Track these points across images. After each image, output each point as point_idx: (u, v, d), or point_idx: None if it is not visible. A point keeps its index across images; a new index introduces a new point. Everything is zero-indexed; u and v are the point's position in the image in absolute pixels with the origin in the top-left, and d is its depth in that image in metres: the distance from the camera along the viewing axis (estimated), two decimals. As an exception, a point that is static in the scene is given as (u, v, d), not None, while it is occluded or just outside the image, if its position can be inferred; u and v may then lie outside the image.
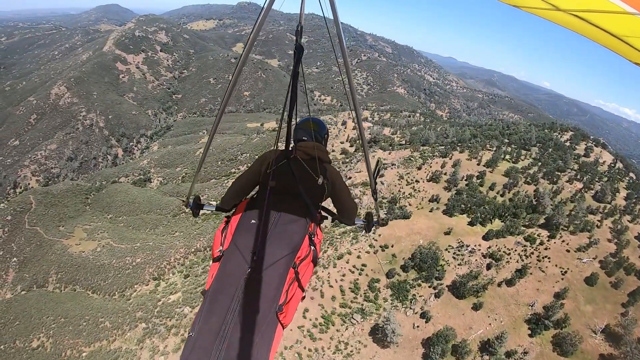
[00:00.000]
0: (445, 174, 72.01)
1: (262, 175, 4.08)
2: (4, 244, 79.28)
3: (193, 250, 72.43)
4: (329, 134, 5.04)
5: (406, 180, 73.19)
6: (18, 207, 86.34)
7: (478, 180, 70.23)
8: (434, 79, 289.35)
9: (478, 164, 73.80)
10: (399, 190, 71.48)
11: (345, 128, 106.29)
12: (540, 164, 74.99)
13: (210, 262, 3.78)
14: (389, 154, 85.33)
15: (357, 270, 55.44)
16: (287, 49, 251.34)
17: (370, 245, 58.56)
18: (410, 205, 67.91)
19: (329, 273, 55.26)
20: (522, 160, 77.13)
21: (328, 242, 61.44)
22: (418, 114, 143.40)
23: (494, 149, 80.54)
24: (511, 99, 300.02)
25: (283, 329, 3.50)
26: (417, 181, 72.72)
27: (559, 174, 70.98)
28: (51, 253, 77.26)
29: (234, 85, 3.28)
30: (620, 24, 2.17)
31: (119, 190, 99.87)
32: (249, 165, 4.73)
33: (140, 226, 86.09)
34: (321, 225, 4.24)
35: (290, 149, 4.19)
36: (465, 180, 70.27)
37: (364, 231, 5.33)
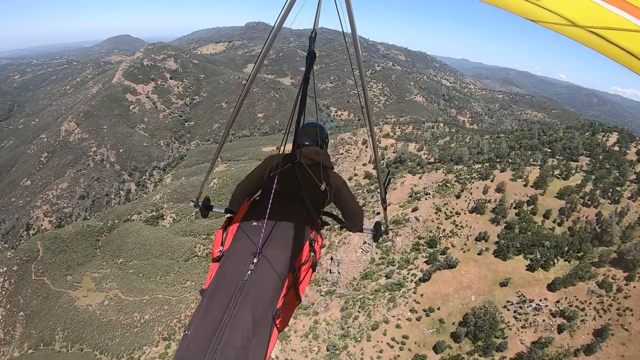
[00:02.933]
0: (489, 201, 61.66)
1: (265, 178, 4.21)
2: (11, 296, 75.36)
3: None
4: (329, 138, 4.99)
5: (445, 213, 63.39)
6: (24, 256, 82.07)
7: (529, 207, 60.04)
8: (451, 83, 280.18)
9: (525, 185, 63.57)
10: (437, 227, 61.54)
11: (367, 148, 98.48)
12: (594, 177, 65.03)
13: (210, 262, 3.75)
14: (420, 178, 76.66)
15: (398, 344, 46.21)
16: (299, 65, 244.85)
17: (411, 311, 48.92)
18: (453, 246, 57.86)
19: (362, 349, 46.35)
20: (573, 174, 66.94)
21: (358, 305, 52.86)
22: (441, 124, 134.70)
23: (539, 162, 71.37)
24: (532, 97, 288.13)
25: (278, 332, 3.51)
26: (457, 213, 62.74)
27: (619, 189, 60.51)
28: (57, 307, 72.50)
29: (241, 105, 3.58)
30: (636, 42, 2.17)
31: (131, 231, 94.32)
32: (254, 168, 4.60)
33: (150, 273, 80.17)
34: (321, 231, 4.25)
35: (295, 153, 4.23)
36: (515, 208, 60.04)
37: (372, 240, 5.28)
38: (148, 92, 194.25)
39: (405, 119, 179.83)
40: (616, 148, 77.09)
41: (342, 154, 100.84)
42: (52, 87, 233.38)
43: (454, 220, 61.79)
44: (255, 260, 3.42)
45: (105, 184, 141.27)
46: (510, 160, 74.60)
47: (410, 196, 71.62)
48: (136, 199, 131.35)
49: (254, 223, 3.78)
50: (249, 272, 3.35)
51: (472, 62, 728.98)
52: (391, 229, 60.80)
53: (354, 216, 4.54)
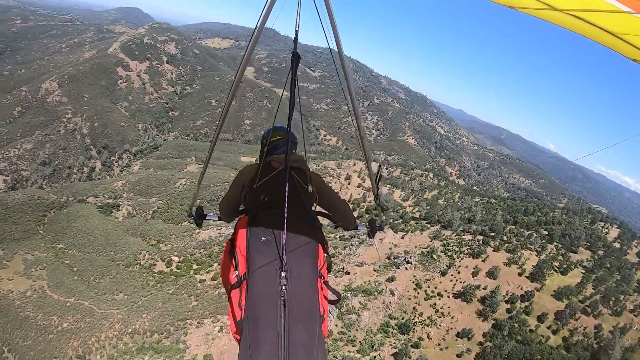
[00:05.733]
0: (478, 287, 54.38)
1: (246, 191, 4.08)
2: None
3: (130, 331, 56.69)
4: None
5: (425, 291, 55.45)
6: None
7: (523, 304, 52.60)
8: (445, 131, 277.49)
9: (520, 274, 56.81)
10: (414, 308, 53.19)
11: (349, 184, 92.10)
12: (594, 277, 58.98)
13: (228, 292, 3.64)
14: (402, 238, 69.81)
15: None
16: (298, 79, 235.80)
17: None
18: (429, 338, 49.64)
19: None
20: (572, 269, 60.60)
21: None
22: (431, 174, 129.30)
23: (536, 247, 65.25)
24: (522, 162, 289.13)
25: (325, 339, 3.47)
26: (439, 295, 54.81)
27: (622, 298, 54.42)
28: None
29: (228, 108, 3.55)
30: (616, 23, 2.27)
31: (81, 215, 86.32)
32: (229, 184, 4.49)
33: (85, 271, 71.85)
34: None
35: (267, 160, 4.18)
36: (507, 302, 52.31)
37: (368, 237, 5.58)
38: (140, 70, 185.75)
39: (394, 159, 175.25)
40: (617, 244, 72.88)
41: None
42: (49, 41, 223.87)
43: (435, 304, 53.90)
44: (283, 275, 3.32)
45: (70, 155, 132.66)
46: (505, 239, 68.16)
47: (389, 258, 64.35)
48: (98, 179, 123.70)
49: (263, 238, 3.60)
50: (283, 288, 3.26)
51: (468, 114, 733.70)
52: (360, 302, 53.49)
53: (344, 212, 4.49)
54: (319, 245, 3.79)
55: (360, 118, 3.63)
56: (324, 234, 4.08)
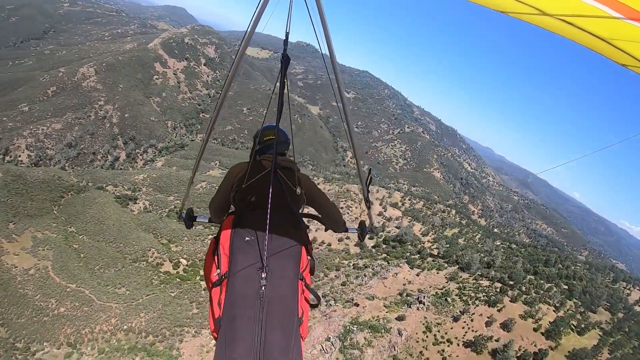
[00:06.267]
0: (491, 339, 51.51)
1: (235, 190, 4.11)
2: None
3: (125, 328, 55.40)
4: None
5: (435, 336, 52.05)
6: None
7: None
8: (472, 168, 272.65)
9: (536, 329, 53.83)
10: (420, 353, 49.61)
11: (354, 218, 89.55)
12: (611, 342, 55.67)
13: (210, 289, 3.69)
14: (418, 275, 67.37)
15: None
16: (332, 99, 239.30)
17: None
18: None
19: None
20: (589, 330, 57.33)
21: None
22: (453, 212, 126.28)
23: (555, 302, 62.13)
24: (546, 208, 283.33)
25: (303, 341, 3.51)
26: (449, 342, 51.14)
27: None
28: None
29: (220, 107, 3.57)
30: (606, 28, 2.31)
31: (97, 202, 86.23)
32: (219, 184, 4.50)
33: (92, 258, 70.99)
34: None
35: (257, 159, 4.26)
36: (519, 359, 49.19)
37: (358, 240, 6.25)
38: (177, 69, 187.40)
39: (418, 190, 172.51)
40: (638, 308, 68.85)
41: (341, 207, 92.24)
42: (93, 27, 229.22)
43: (443, 350, 50.16)
44: (264, 275, 3.35)
45: (97, 141, 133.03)
46: (524, 289, 65.06)
47: (400, 295, 61.83)
48: (120, 169, 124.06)
49: (247, 238, 3.66)
50: (262, 288, 3.29)
51: (496, 153, 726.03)
52: (365, 337, 50.90)
53: (334, 215, 4.57)
54: (303, 247, 3.84)
55: (350, 119, 3.66)
56: (309, 236, 4.14)
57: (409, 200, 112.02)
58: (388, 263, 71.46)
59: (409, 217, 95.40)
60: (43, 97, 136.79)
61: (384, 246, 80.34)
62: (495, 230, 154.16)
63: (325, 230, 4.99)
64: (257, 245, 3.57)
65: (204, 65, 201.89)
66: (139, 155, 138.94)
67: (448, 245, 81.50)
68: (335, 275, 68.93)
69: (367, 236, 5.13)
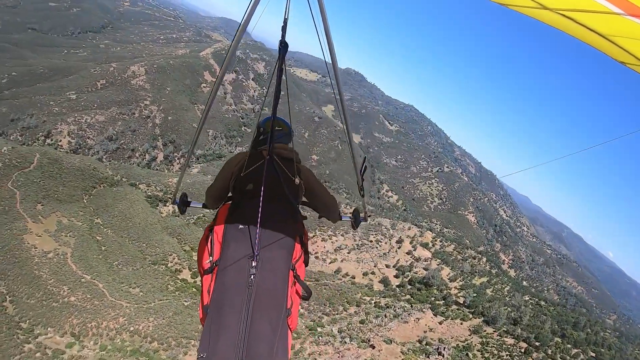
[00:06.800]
0: None
1: (234, 178, 4.09)
2: None
3: (132, 329, 53.67)
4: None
5: None
6: (15, 160, 76.00)
7: None
8: (507, 216, 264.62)
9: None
10: None
11: (399, 248, 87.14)
12: None
13: (201, 276, 3.67)
14: (440, 323, 64.43)
15: None
16: (374, 129, 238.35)
17: None
18: None
19: None
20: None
21: None
22: (484, 259, 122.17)
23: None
24: (578, 266, 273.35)
25: (291, 333, 3.49)
26: None
27: None
28: (8, 228, 63.94)
29: (209, 110, 3.61)
30: (606, 24, 2.28)
31: (128, 198, 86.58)
32: (219, 171, 4.47)
33: (112, 253, 70.45)
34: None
35: (258, 150, 4.22)
36: None
37: (351, 227, 5.34)
38: (225, 80, 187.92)
39: (450, 232, 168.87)
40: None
41: (370, 241, 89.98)
42: (149, 29, 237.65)
43: None
44: (254, 264, 3.33)
45: (137, 139, 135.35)
46: (550, 352, 61.22)
47: (420, 342, 58.63)
48: (156, 169, 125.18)
49: (240, 227, 3.64)
50: (251, 277, 3.27)
51: (533, 203, 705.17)
52: None
53: (329, 205, 4.57)
54: (297, 237, 3.78)
55: (348, 117, 3.67)
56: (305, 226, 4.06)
57: (440, 242, 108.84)
58: (411, 306, 68.86)
59: (438, 260, 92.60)
60: (91, 89, 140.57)
61: (409, 287, 77.89)
62: (525, 283, 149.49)
63: (319, 218, 4.85)
64: (249, 234, 3.51)
65: (252, 80, 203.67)
66: (176, 158, 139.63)
67: (475, 295, 78.40)
68: (355, 311, 66.38)
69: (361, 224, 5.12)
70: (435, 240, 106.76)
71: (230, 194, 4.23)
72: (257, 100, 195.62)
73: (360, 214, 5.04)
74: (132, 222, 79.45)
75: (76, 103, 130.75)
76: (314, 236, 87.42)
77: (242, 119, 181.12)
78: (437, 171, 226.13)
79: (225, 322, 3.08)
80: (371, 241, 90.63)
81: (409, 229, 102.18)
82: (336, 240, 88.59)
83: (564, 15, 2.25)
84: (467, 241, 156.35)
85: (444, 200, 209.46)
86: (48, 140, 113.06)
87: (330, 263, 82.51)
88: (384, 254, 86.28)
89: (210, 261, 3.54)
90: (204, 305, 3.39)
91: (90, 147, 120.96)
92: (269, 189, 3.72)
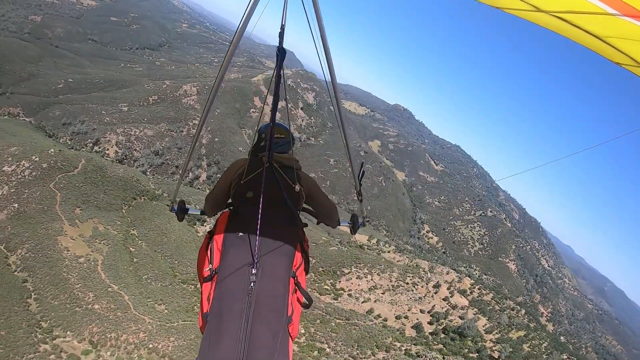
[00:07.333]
0: None
1: (234, 185, 4.12)
2: (18, 189, 69.53)
3: (150, 347, 52.40)
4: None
5: None
6: (61, 163, 77.02)
7: None
8: (549, 266, 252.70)
9: None
10: None
11: (436, 293, 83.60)
12: None
13: (201, 284, 3.69)
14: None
15: None
16: (419, 168, 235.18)
17: None
18: None
19: None
20: None
21: None
22: (523, 312, 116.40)
23: None
24: (619, 324, 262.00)
25: (292, 341, 3.47)
26: None
27: None
28: (44, 227, 64.88)
29: (211, 104, 3.64)
30: (601, 25, 2.28)
31: (166, 213, 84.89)
32: (219, 179, 4.50)
33: (143, 267, 69.82)
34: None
35: (259, 156, 4.20)
36: None
37: (350, 232, 5.34)
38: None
39: (489, 280, 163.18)
40: None
41: (407, 283, 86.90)
42: (204, 51, 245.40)
43: None
44: (254, 271, 3.31)
45: (182, 156, 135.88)
46: None
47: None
48: (198, 189, 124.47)
49: (240, 234, 3.64)
50: (251, 285, 3.25)
51: (576, 254, 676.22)
52: None
53: (329, 213, 4.61)
54: (298, 244, 3.76)
55: (346, 122, 3.74)
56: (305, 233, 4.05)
57: (479, 289, 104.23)
58: (443, 357, 65.21)
59: (475, 309, 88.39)
60: (143, 103, 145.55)
61: (442, 335, 74.19)
62: (562, 338, 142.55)
63: (317, 223, 4.85)
64: (249, 241, 3.49)
65: (301, 109, 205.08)
66: (218, 180, 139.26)
67: (511, 350, 74.04)
68: (384, 357, 63.17)
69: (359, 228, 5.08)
70: (474, 288, 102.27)
71: (230, 201, 4.21)
72: (305, 129, 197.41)
73: (359, 219, 5.03)
74: (167, 237, 79.02)
75: (127, 115, 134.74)
76: (349, 272, 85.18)
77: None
78: (480, 215, 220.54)
79: (225, 330, 3.02)
80: (407, 283, 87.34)
81: (447, 273, 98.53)
82: (371, 279, 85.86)
83: (558, 18, 2.25)
84: (506, 290, 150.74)
85: (485, 245, 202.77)
86: (96, 148, 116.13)
87: (363, 302, 79.77)
88: (420, 298, 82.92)
89: (210, 269, 3.50)
90: (203, 313, 3.35)
91: (135, 159, 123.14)
92: (269, 196, 3.67)
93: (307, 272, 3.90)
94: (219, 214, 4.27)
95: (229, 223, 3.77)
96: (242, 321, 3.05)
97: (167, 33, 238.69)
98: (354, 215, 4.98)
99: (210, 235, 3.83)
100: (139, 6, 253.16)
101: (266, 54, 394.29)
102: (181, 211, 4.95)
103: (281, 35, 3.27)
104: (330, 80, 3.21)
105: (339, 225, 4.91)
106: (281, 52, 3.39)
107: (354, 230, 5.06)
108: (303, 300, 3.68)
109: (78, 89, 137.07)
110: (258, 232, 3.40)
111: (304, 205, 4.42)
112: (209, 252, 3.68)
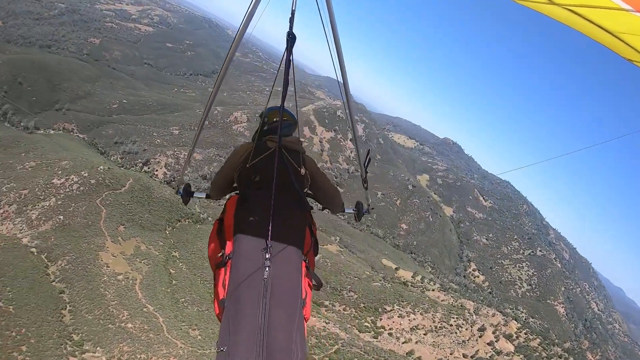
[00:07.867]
0: None
1: (239, 170, 4.18)
2: (65, 202, 70.24)
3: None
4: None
5: None
6: (109, 180, 78.38)
7: None
8: (599, 309, 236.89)
9: None
10: None
11: (481, 337, 79.97)
12: None
13: (214, 271, 3.75)
14: None
15: None
16: (468, 203, 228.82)
17: None
18: None
19: None
20: None
21: None
22: (571, 359, 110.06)
23: None
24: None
25: (306, 323, 3.49)
26: None
27: None
28: (87, 242, 65.41)
29: (218, 88, 3.85)
30: (615, 21, 2.24)
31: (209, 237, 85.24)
32: (224, 161, 4.66)
33: (180, 290, 69.23)
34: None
35: (263, 140, 4.28)
36: None
37: (354, 220, 5.32)
38: (324, 138, 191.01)
39: (536, 323, 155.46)
40: None
41: (450, 325, 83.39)
42: (256, 80, 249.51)
43: None
44: (267, 256, 3.30)
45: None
46: None
47: None
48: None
49: (251, 219, 3.63)
50: (266, 269, 3.24)
51: (627, 296, 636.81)
52: None
53: (333, 196, 4.63)
54: (307, 228, 3.83)
55: (355, 120, 3.59)
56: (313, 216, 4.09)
57: (525, 334, 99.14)
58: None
59: (521, 355, 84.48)
60: (194, 127, 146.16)
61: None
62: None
63: (322, 209, 4.84)
64: (260, 225, 3.46)
65: (350, 140, 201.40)
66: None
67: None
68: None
69: (364, 216, 5.14)
70: (520, 332, 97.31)
71: (235, 185, 4.30)
72: (352, 161, 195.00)
73: (364, 206, 5.04)
74: (208, 262, 77.73)
75: (177, 138, 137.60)
76: (391, 310, 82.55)
77: (335, 177, 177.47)
78: (530, 254, 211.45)
79: (244, 315, 3.04)
80: (451, 325, 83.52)
81: (493, 315, 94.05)
82: (414, 319, 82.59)
83: (571, 11, 2.21)
84: (554, 335, 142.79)
85: (533, 286, 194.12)
86: (145, 168, 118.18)
87: (403, 343, 76.50)
88: (463, 341, 79.21)
89: (222, 254, 3.59)
90: (219, 300, 3.37)
91: (182, 182, 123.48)
92: (271, 180, 3.66)
93: (315, 254, 3.89)
94: (227, 198, 4.23)
95: (238, 208, 3.74)
96: (260, 305, 3.03)
97: (221, 61, 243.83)
98: (358, 202, 4.98)
99: (220, 220, 3.86)
100: (195, 34, 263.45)
101: (317, 85, 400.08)
102: (187, 194, 4.95)
103: (291, 20, 3.26)
104: (340, 72, 3.26)
105: (343, 211, 4.86)
106: (291, 37, 3.39)
107: (358, 217, 5.04)
108: (313, 282, 3.67)
109: (132, 110, 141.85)
110: (271, 217, 3.36)
111: (307, 191, 4.35)
112: (219, 238, 3.72)
